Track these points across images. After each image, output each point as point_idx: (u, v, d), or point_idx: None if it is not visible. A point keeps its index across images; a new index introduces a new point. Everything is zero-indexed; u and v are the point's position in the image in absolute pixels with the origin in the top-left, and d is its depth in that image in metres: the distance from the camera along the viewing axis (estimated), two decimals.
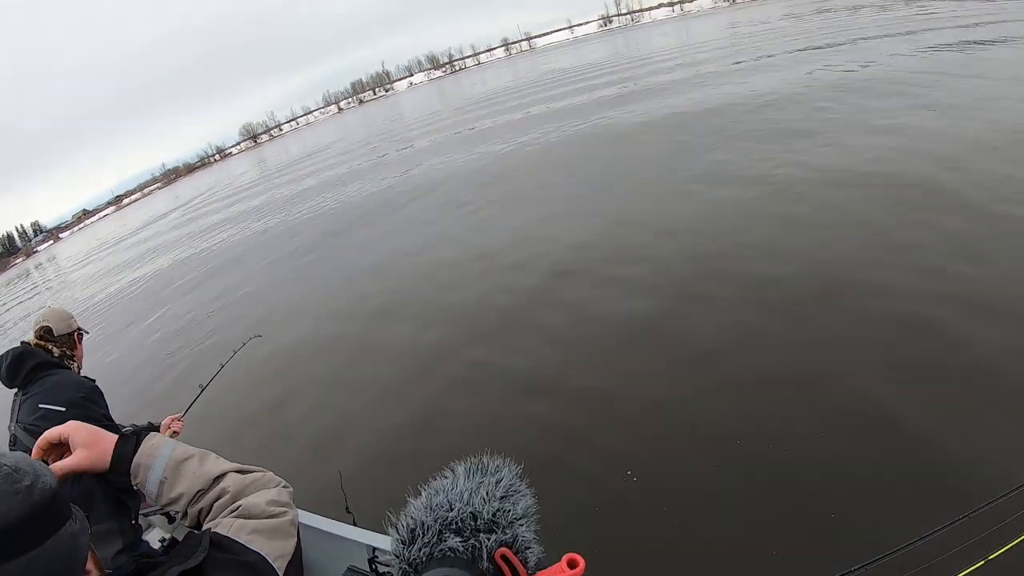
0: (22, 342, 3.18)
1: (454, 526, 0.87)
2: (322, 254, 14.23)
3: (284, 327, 10.10)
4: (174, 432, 3.68)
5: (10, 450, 2.74)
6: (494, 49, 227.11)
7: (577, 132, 18.67)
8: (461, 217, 12.92)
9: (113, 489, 2.88)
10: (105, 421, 3.02)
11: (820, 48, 23.72)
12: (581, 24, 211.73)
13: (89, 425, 1.38)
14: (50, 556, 0.97)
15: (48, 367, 3.08)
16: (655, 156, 12.97)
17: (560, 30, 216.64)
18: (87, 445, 1.33)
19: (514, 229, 10.83)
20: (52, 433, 1.33)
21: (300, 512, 3.58)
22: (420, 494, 0.95)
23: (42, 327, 3.23)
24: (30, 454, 1.09)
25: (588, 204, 11.08)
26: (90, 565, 1.09)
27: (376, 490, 5.09)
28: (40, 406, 2.87)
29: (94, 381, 3.18)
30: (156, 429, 3.58)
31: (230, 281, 14.91)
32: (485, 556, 0.84)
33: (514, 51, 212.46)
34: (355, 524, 3.27)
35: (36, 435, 2.54)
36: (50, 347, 3.19)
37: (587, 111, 21.78)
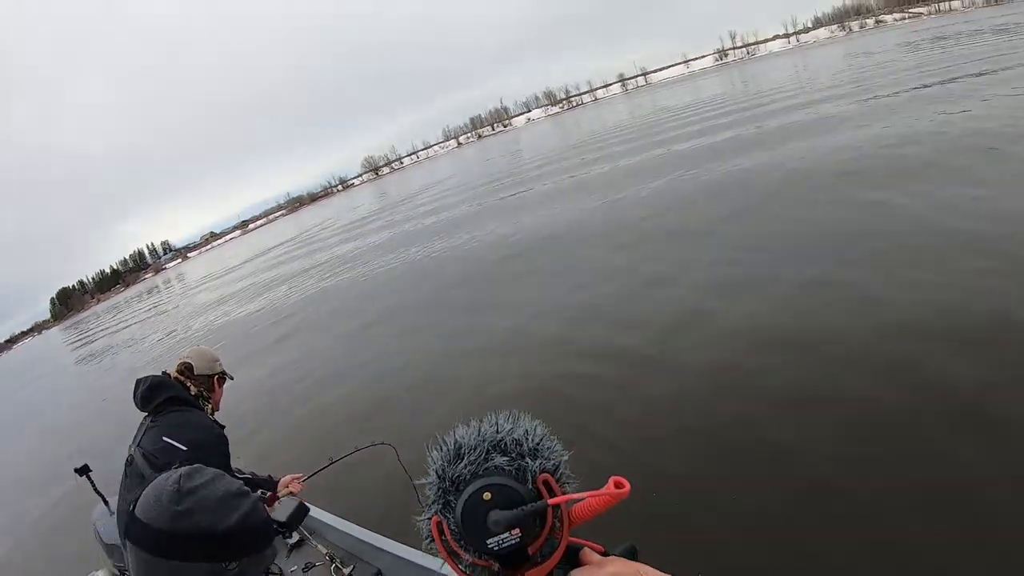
0: (163, 372, 3.23)
1: (501, 447, 0.91)
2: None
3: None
4: (291, 492, 3.70)
5: (125, 469, 3.00)
6: (610, 85, 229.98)
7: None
8: None
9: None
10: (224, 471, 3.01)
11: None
12: (696, 59, 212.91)
13: None
14: (176, 571, 1.18)
15: (181, 402, 3.11)
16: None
17: (675, 65, 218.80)
18: None
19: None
20: None
21: (386, 540, 3.75)
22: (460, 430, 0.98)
23: (184, 363, 3.28)
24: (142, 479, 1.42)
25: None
26: None
27: None
28: (163, 438, 2.87)
29: (223, 428, 3.18)
30: (275, 484, 3.71)
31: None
32: (530, 479, 0.88)
33: (630, 87, 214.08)
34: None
35: (153, 464, 2.77)
36: (188, 384, 3.22)
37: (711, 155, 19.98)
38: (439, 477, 0.92)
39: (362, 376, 10.03)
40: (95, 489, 4.29)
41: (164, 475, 1.25)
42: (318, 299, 18.56)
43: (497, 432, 0.94)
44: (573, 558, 0.92)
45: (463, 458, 0.90)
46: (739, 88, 49.44)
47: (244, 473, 3.62)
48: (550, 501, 0.85)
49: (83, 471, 4.24)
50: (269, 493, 3.58)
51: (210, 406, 3.33)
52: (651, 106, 62.41)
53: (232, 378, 3.58)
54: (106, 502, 4.25)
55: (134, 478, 2.95)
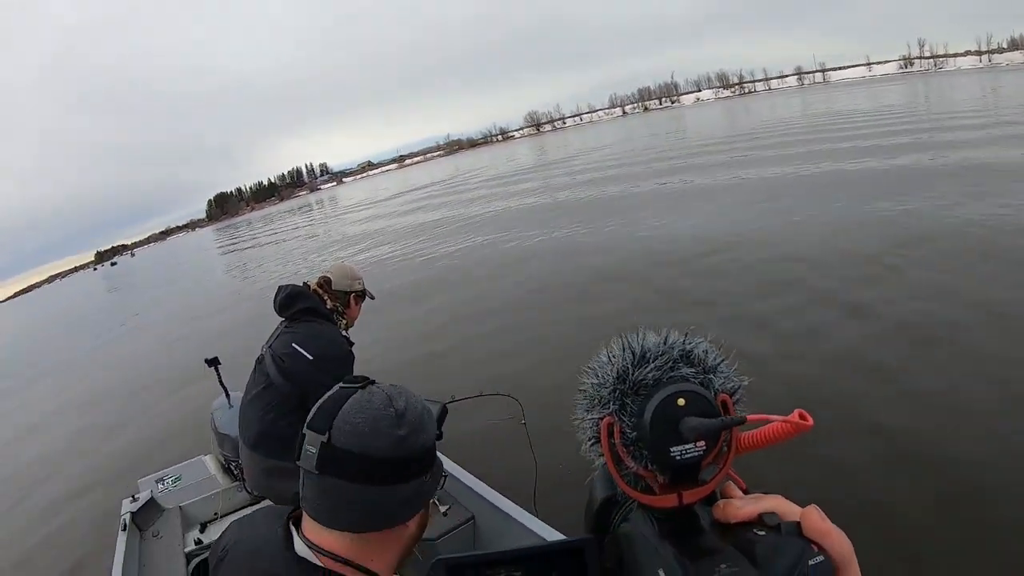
0: (304, 283, 3.41)
1: (689, 357, 0.88)
2: None
3: None
4: None
5: (256, 365, 3.29)
6: (786, 77, 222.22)
7: None
8: None
9: None
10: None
11: None
12: (879, 63, 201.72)
13: None
14: (381, 499, 1.21)
15: (315, 314, 3.26)
16: None
17: (856, 66, 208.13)
18: None
19: None
20: None
21: (485, 487, 3.81)
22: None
23: (323, 276, 3.44)
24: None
25: None
26: (414, 520, 1.29)
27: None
28: (292, 344, 3.04)
29: (352, 345, 3.29)
30: None
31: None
32: (712, 395, 0.84)
33: (806, 82, 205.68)
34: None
35: (279, 367, 3.07)
36: (325, 297, 3.36)
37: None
38: (618, 378, 0.87)
39: (500, 334, 9.98)
40: (220, 381, 4.54)
41: (364, 399, 1.26)
42: (465, 251, 18.37)
43: (685, 343, 0.90)
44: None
45: (649, 362, 0.86)
46: (920, 103, 44.59)
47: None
48: (749, 417, 0.81)
49: (213, 362, 4.49)
50: None
51: (344, 321, 3.47)
52: (825, 106, 57.90)
53: (373, 297, 3.71)
54: (227, 394, 4.50)
55: (260, 375, 3.17)
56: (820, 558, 0.68)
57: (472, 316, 11.39)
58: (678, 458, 0.79)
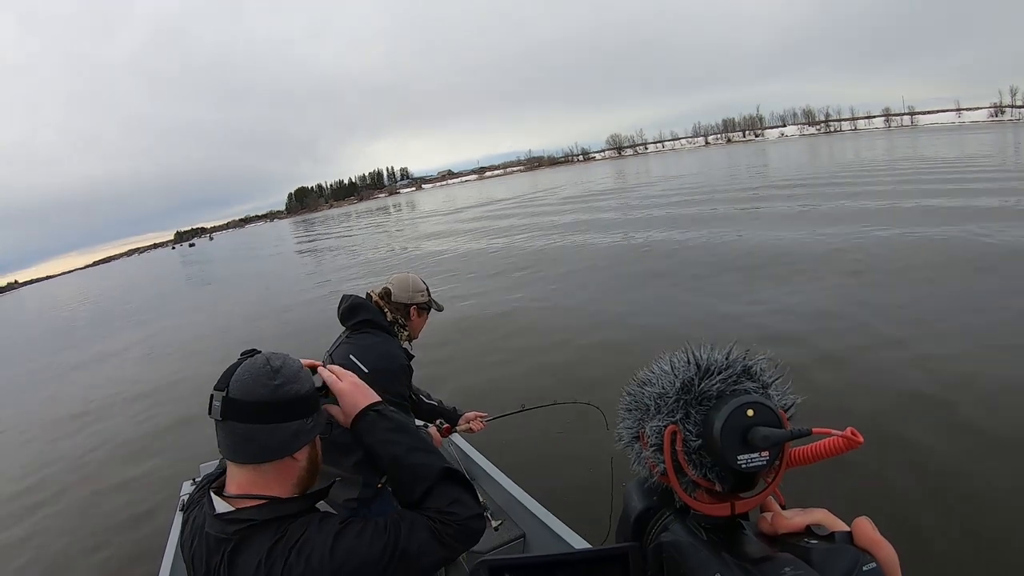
0: (367, 294, 3.41)
1: (750, 373, 0.94)
2: None
3: None
4: (470, 428, 3.80)
5: None
6: (873, 117, 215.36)
7: None
8: None
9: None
10: (398, 400, 3.11)
11: None
12: (969, 109, 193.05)
13: (361, 386, 1.82)
14: (268, 435, 1.53)
15: (374, 326, 3.26)
16: None
17: (946, 111, 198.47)
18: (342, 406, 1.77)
19: None
20: (331, 378, 1.79)
21: (537, 505, 3.84)
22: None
23: (384, 288, 3.40)
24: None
25: None
26: (301, 455, 1.61)
27: None
28: (350, 356, 3.06)
29: (411, 359, 3.28)
30: (457, 417, 3.81)
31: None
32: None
33: (893, 124, 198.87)
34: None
35: None
36: (385, 309, 3.34)
37: None
38: (683, 389, 0.94)
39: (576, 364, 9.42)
40: None
41: (250, 362, 1.60)
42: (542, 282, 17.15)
43: (746, 359, 0.97)
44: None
45: (715, 375, 0.93)
46: (1010, 155, 40.68)
47: (431, 400, 3.79)
48: (815, 430, 0.85)
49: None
50: (446, 424, 3.71)
51: (406, 333, 3.43)
52: (911, 150, 54.67)
53: (440, 308, 3.63)
54: None
55: None
56: (873, 564, 0.75)
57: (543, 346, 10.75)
58: (743, 466, 0.85)
